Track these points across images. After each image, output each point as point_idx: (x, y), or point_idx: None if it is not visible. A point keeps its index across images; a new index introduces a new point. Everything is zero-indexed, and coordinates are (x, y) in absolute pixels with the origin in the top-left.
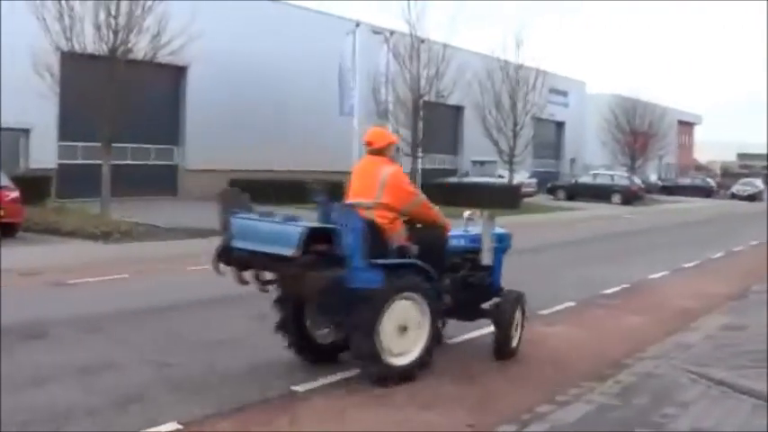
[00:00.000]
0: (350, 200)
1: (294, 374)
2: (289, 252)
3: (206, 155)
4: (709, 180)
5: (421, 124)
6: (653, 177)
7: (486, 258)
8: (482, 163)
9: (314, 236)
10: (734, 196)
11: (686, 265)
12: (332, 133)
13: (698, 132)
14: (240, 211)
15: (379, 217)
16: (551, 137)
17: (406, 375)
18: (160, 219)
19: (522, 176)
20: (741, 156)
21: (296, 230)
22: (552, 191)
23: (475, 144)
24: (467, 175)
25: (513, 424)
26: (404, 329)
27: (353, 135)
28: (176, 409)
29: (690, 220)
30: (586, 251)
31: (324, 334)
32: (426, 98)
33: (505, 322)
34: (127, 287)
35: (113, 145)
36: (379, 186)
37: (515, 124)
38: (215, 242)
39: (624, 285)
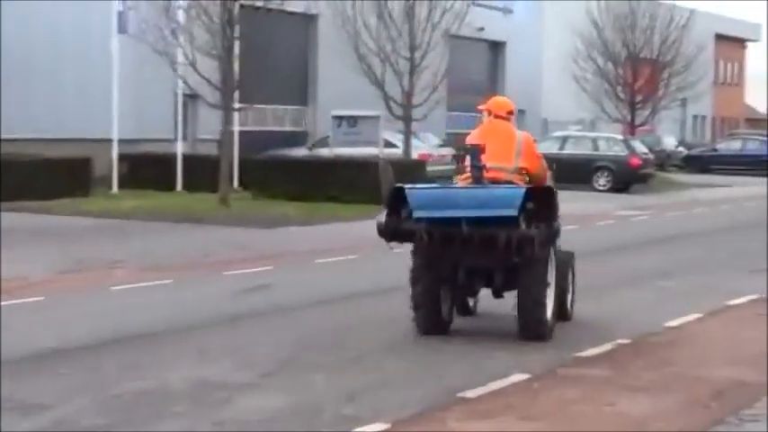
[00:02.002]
0: (490, 163)
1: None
2: (511, 212)
3: None
4: None
5: (237, 47)
6: (669, 141)
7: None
8: (352, 120)
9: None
10: None
11: (733, 303)
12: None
13: (753, 58)
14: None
15: (517, 180)
16: (481, 69)
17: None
18: None
19: (429, 144)
20: None
21: (518, 192)
22: None
23: (339, 84)
24: (324, 143)
25: None
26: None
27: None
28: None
29: (738, 220)
30: None
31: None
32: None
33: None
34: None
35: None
36: (516, 152)
37: (412, 47)
38: None
39: (619, 341)
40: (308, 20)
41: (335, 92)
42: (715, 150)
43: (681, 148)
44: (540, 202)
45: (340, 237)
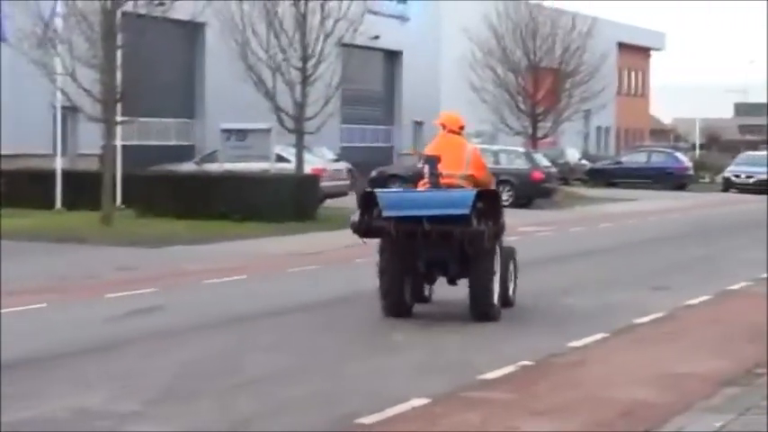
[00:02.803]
0: (444, 170)
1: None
2: (464, 211)
3: None
4: (679, 156)
5: (119, 57)
6: (573, 154)
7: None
8: (242, 133)
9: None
10: (729, 185)
11: (638, 321)
12: None
13: (658, 67)
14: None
15: (466, 185)
16: (376, 79)
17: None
18: None
19: (323, 158)
20: (739, 108)
21: (470, 194)
22: (379, 183)
23: (228, 96)
24: (212, 158)
25: None
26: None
27: None
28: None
29: (648, 235)
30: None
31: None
32: (129, 7)
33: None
34: None
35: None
36: (466, 161)
37: (304, 57)
38: None
39: (522, 363)
40: (195, 28)
41: (224, 104)
42: (619, 163)
43: (584, 161)
44: (487, 203)
45: (230, 256)
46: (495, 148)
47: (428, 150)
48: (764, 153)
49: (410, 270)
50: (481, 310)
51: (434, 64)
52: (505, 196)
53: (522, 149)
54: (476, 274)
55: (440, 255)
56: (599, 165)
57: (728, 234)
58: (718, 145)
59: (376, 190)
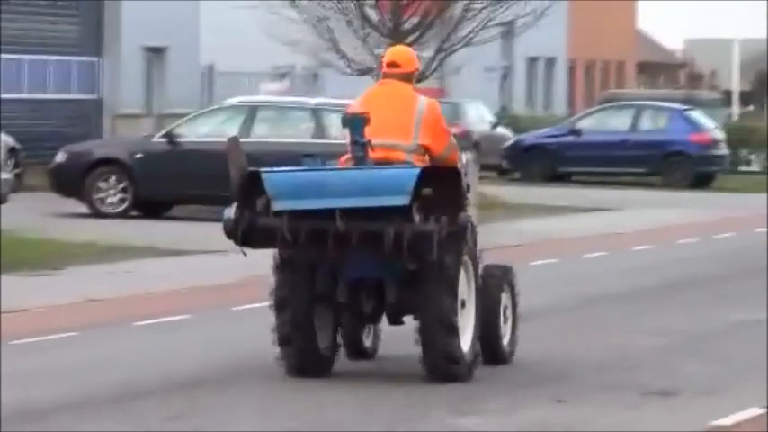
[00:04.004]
0: (377, 138)
1: None
2: (401, 200)
3: None
4: (697, 118)
5: None
6: (479, 115)
7: None
8: None
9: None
10: None
11: None
12: None
13: None
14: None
15: (417, 162)
16: None
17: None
18: None
19: None
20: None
21: (410, 173)
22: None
23: None
24: None
25: None
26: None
27: None
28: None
29: (639, 285)
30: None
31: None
32: None
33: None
34: None
35: None
36: (416, 124)
37: None
38: None
39: None
40: None
41: None
42: (575, 133)
43: (502, 130)
44: (441, 187)
45: None
46: (314, 102)
47: (353, 107)
48: None
49: (325, 298)
50: (439, 364)
51: None
52: None
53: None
54: (427, 304)
55: (368, 271)
56: (533, 137)
57: None
58: None
59: (261, 170)
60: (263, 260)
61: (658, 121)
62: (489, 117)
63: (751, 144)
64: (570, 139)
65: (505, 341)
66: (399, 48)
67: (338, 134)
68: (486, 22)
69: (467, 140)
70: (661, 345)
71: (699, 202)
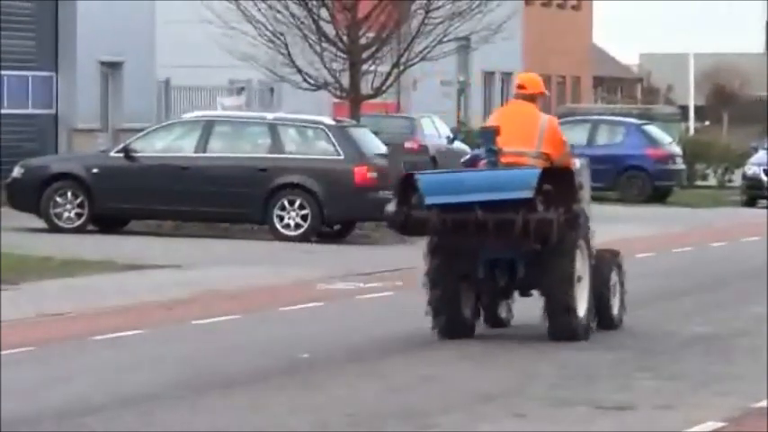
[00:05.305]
0: (508, 147)
1: None
2: (526, 194)
3: None
4: (653, 132)
5: None
6: (435, 130)
7: None
8: None
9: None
10: (756, 191)
11: None
12: None
13: None
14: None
15: (540, 165)
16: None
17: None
18: None
19: None
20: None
21: (532, 173)
22: None
23: None
24: None
25: None
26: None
27: None
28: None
29: None
30: None
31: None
32: None
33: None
34: None
35: None
36: (539, 135)
37: None
38: None
39: None
40: None
41: None
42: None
43: (459, 144)
44: (558, 184)
45: None
46: (270, 116)
47: (490, 121)
48: None
49: (468, 276)
50: (558, 325)
51: None
52: (293, 216)
53: (329, 121)
54: (548, 278)
55: (501, 252)
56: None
57: None
58: (734, 109)
59: (415, 172)
60: (216, 275)
61: (615, 136)
62: (446, 132)
63: (707, 158)
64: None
65: (615, 311)
66: (527, 74)
67: (294, 149)
68: (443, 37)
69: (423, 154)
70: (616, 359)
71: (655, 217)
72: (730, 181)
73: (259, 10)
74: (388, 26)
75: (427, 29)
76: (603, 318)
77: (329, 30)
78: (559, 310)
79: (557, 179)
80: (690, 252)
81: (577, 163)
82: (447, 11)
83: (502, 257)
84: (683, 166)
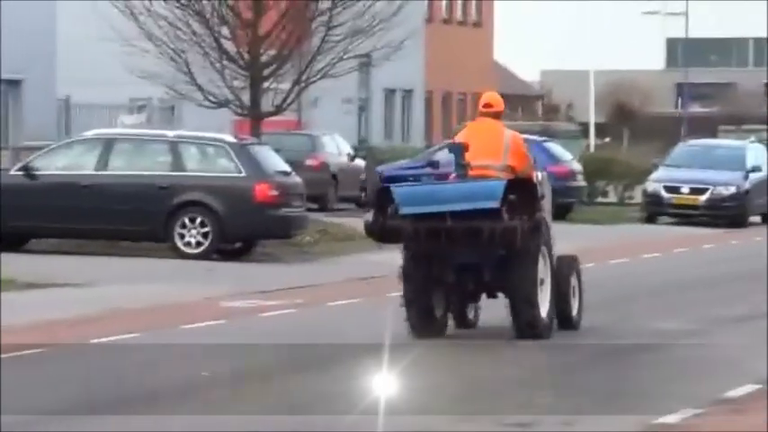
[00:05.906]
0: (475, 161)
1: None
2: (493, 204)
3: None
4: (554, 149)
5: None
6: (337, 147)
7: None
8: None
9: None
10: (657, 207)
11: None
12: None
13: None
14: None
15: (506, 177)
16: None
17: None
18: None
19: None
20: (674, 47)
21: (498, 184)
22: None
23: None
24: None
25: None
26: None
27: None
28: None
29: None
30: None
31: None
32: None
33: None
34: None
35: None
36: (504, 149)
37: None
38: None
39: None
40: None
41: None
42: (433, 165)
43: (360, 161)
44: (521, 194)
45: None
46: (170, 134)
47: (459, 137)
48: (732, 142)
49: (439, 280)
50: (523, 324)
51: None
52: (194, 234)
53: (231, 138)
54: (513, 280)
55: (470, 258)
56: (391, 169)
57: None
58: (635, 125)
59: (391, 185)
60: (117, 293)
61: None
62: (347, 149)
63: (608, 175)
64: (428, 170)
65: (574, 312)
66: (492, 93)
67: (195, 167)
68: (344, 55)
69: (324, 172)
70: (517, 376)
71: (557, 234)
72: (631, 198)
73: (160, 28)
74: (289, 43)
75: (328, 46)
76: (564, 319)
77: (230, 47)
78: (524, 309)
79: (520, 190)
80: (591, 268)
81: (539, 175)
82: (348, 28)
83: (470, 262)
84: (583, 183)
